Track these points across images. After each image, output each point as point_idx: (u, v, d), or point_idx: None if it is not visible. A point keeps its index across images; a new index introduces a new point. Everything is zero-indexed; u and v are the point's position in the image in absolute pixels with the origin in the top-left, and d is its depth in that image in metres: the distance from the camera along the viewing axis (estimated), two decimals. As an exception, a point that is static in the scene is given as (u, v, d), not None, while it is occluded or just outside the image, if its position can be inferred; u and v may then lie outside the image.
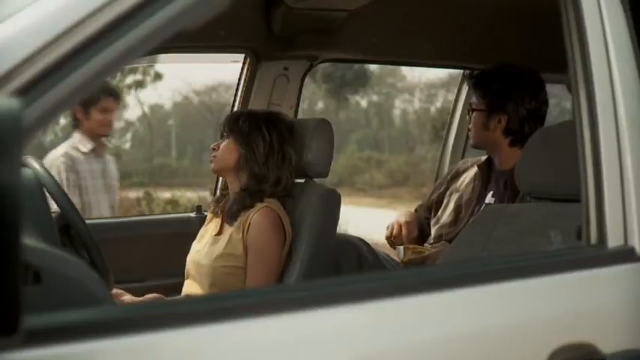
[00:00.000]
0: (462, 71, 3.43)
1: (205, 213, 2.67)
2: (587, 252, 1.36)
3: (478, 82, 2.55)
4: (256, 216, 2.22)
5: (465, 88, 3.39)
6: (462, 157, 3.28)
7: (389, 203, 15.05)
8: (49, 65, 0.90)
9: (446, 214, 2.57)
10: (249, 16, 2.72)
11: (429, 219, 2.66)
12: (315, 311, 1.06)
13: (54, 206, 1.83)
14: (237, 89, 3.01)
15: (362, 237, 2.60)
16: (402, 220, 2.62)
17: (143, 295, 2.25)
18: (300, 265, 2.21)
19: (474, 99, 2.57)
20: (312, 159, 2.30)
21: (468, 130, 2.69)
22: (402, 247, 2.39)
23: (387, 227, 2.65)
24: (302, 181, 2.39)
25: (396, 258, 2.51)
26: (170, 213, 3.48)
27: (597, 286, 1.32)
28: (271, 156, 2.27)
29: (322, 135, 2.34)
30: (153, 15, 0.96)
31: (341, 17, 2.73)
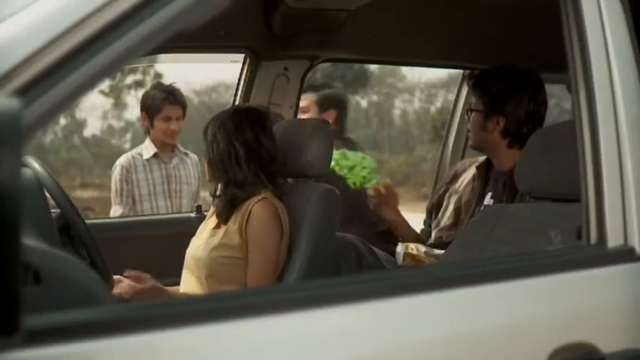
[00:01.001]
0: (462, 71, 3.44)
1: (205, 213, 2.68)
2: (587, 252, 1.36)
3: (477, 83, 2.53)
4: (256, 206, 2.23)
5: (465, 89, 3.40)
6: (462, 158, 3.29)
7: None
8: (49, 65, 0.89)
9: (446, 216, 2.57)
10: (248, 16, 2.72)
11: (431, 225, 2.66)
12: (315, 311, 1.06)
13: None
14: (237, 89, 3.02)
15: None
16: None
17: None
18: (300, 264, 2.21)
19: (473, 100, 2.56)
20: (311, 159, 2.30)
21: (468, 130, 2.69)
22: (401, 253, 2.39)
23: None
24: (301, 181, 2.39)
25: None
26: (170, 213, 3.46)
27: (597, 286, 1.31)
28: (226, 157, 2.27)
29: (322, 135, 2.33)
30: (153, 15, 0.96)
31: (341, 17, 2.73)
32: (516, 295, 1.24)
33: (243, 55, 2.95)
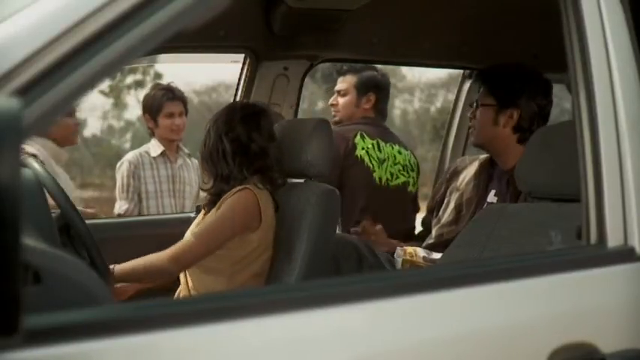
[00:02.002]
0: (462, 71, 3.44)
1: (205, 213, 2.67)
2: (587, 252, 1.36)
3: (487, 77, 2.50)
4: (232, 194, 2.25)
5: (465, 88, 3.39)
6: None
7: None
8: (49, 65, 0.89)
9: (446, 213, 2.55)
10: (248, 16, 2.72)
11: (432, 222, 2.65)
12: (315, 311, 1.06)
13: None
14: (237, 89, 3.02)
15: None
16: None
17: (141, 296, 2.27)
18: (300, 265, 2.20)
19: (479, 95, 2.50)
20: (311, 159, 2.30)
21: (469, 129, 2.67)
22: (399, 259, 2.38)
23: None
24: (302, 181, 2.39)
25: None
26: (170, 213, 3.46)
27: (597, 285, 1.31)
28: (215, 151, 2.29)
29: (322, 135, 2.33)
30: (153, 15, 0.96)
31: (341, 17, 2.73)
32: (516, 295, 1.24)
33: (243, 55, 2.95)
